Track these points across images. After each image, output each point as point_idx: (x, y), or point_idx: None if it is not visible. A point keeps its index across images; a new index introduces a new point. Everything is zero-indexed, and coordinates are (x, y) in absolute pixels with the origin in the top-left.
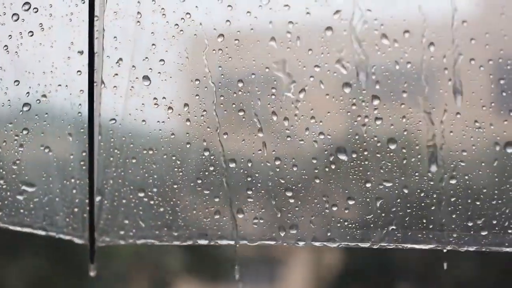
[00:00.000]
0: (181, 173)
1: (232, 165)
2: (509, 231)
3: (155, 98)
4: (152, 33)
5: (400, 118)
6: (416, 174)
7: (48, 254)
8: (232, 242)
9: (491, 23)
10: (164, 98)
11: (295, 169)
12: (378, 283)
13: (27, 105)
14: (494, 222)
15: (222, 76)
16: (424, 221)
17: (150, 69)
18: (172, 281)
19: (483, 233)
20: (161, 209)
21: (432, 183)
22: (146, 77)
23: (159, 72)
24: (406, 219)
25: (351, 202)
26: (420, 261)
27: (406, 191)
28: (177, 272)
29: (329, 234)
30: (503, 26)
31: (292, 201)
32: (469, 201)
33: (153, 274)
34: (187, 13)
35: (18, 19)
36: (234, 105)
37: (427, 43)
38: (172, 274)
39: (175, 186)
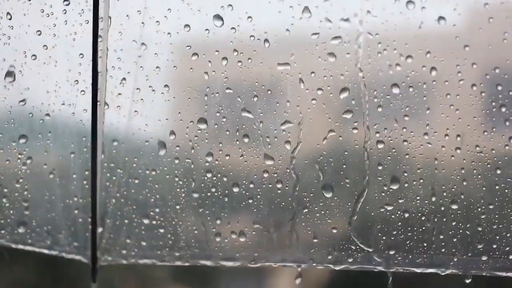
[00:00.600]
0: (183, 194)
1: (236, 188)
2: (510, 256)
3: (159, 120)
4: (155, 54)
5: (401, 141)
6: (418, 198)
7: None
8: (232, 264)
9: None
10: (167, 119)
11: (296, 193)
12: None
13: (30, 124)
14: (494, 246)
15: (226, 98)
16: (425, 244)
17: (154, 90)
18: None
19: (484, 258)
20: (163, 230)
21: (433, 207)
22: (149, 98)
23: (162, 93)
24: (407, 242)
25: (350, 225)
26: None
27: (406, 215)
28: (165, 280)
29: (329, 257)
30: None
31: (292, 223)
32: (469, 225)
33: (141, 283)
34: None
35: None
36: (237, 127)
37: (429, 67)
38: (160, 282)
39: (178, 207)
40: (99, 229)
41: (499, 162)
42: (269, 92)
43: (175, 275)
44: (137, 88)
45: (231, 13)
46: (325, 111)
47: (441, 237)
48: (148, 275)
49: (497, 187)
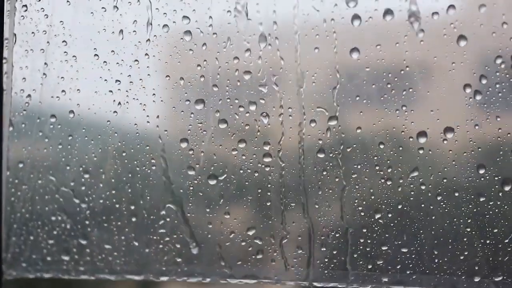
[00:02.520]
0: (89, 209)
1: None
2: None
3: (60, 139)
4: (58, 76)
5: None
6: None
7: None
8: (138, 277)
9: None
10: (70, 136)
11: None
12: None
13: None
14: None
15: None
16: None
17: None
18: None
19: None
20: (68, 244)
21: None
22: (53, 116)
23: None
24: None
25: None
26: None
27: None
28: None
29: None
30: None
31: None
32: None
33: None
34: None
35: None
36: (144, 155)
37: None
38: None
39: (87, 222)
40: (4, 244)
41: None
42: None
43: None
44: (39, 102)
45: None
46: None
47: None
48: None
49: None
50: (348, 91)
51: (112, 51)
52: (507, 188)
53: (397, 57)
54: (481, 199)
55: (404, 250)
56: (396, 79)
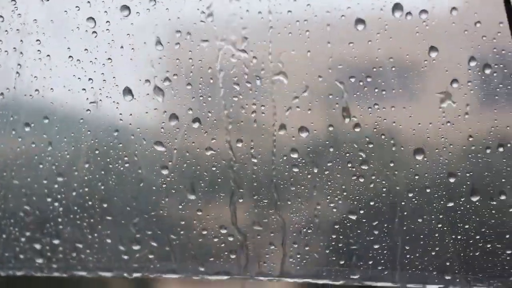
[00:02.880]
0: (62, 207)
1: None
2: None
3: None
4: (32, 75)
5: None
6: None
7: None
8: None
9: None
10: (44, 134)
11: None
12: None
13: None
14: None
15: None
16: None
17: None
18: None
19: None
20: (41, 242)
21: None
22: (27, 115)
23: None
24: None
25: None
26: None
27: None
28: None
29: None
30: None
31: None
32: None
33: None
34: None
35: None
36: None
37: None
38: None
39: (59, 220)
40: None
41: None
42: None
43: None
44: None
45: None
46: None
47: None
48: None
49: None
50: (321, 88)
51: (86, 49)
52: (477, 186)
53: (370, 55)
54: (452, 196)
55: (376, 246)
56: (367, 77)
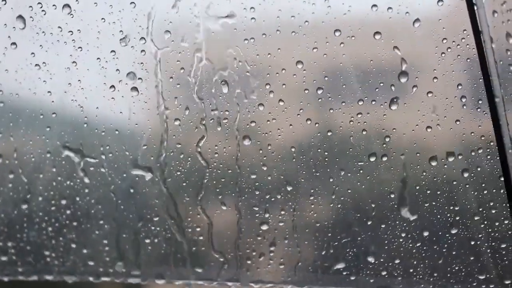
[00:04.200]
0: (28, 210)
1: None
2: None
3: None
4: None
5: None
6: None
7: None
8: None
9: None
10: (11, 136)
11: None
12: None
13: None
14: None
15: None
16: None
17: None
18: None
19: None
20: (5, 245)
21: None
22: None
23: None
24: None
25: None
26: None
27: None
28: None
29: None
30: None
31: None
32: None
33: None
34: None
35: None
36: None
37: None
38: None
39: (25, 224)
40: None
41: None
42: None
43: None
44: None
45: None
46: None
47: None
48: None
49: None
50: (292, 90)
51: (46, 51)
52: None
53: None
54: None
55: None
56: (330, 79)
